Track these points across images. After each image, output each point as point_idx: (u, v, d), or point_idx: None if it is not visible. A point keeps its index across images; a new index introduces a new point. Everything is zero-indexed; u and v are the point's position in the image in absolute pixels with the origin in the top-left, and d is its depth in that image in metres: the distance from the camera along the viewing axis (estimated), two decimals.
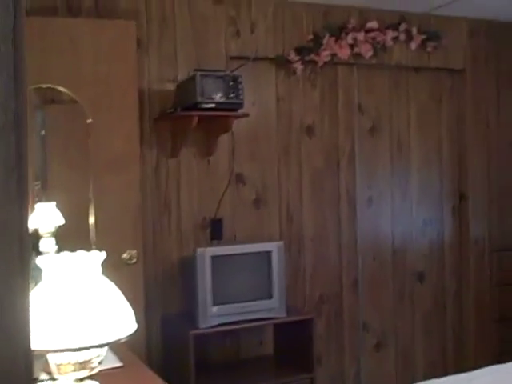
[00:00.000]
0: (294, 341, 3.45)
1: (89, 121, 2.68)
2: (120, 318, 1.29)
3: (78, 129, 2.77)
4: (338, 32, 3.78)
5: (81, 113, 2.61)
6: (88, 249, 1.34)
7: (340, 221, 3.92)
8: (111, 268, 1.45)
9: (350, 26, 3.81)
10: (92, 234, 2.59)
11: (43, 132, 2.80)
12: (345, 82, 3.93)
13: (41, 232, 2.18)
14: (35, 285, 1.26)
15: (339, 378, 3.91)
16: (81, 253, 1.31)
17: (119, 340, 1.27)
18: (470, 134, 4.31)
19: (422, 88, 4.20)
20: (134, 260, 3.03)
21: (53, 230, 2.22)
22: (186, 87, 3.24)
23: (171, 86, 3.39)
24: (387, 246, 4.10)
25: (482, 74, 4.33)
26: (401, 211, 4.15)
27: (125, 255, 2.99)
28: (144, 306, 3.04)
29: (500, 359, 4.37)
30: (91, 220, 2.61)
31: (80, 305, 1.24)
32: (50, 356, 1.28)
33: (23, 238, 0.64)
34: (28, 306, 0.73)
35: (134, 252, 3.03)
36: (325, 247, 3.87)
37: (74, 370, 1.31)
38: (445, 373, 4.26)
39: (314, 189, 3.84)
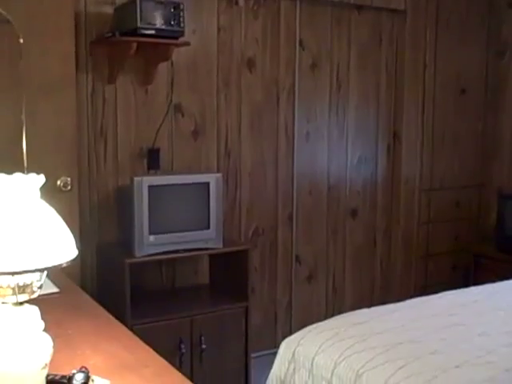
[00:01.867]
0: (229, 271, 3.51)
1: (21, 41, 2.55)
2: (60, 243, 1.27)
3: (9, 49, 2.65)
4: None
5: (12, 32, 2.48)
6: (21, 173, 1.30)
7: (278, 155, 3.95)
8: (45, 194, 1.41)
9: None
10: (24, 158, 2.52)
11: None
12: (287, 17, 3.88)
13: None
14: None
15: (272, 306, 4.03)
16: (18, 175, 1.28)
17: (60, 265, 1.26)
18: (407, 76, 4.37)
19: (363, 27, 4.21)
20: (69, 187, 2.97)
21: None
22: (125, 11, 3.12)
23: (109, 9, 3.26)
24: (323, 181, 4.18)
25: (422, 16, 4.36)
26: (337, 148, 4.21)
27: (59, 182, 2.93)
28: (79, 234, 3.01)
29: (423, 292, 4.61)
30: (23, 144, 2.52)
31: (19, 228, 1.21)
32: None
33: None
34: None
35: (68, 179, 2.96)
36: (262, 181, 3.91)
37: (13, 294, 1.29)
38: (371, 304, 4.46)
39: (252, 122, 3.83)
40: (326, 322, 2.48)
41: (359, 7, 4.14)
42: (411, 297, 4.47)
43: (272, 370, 2.43)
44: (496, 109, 4.83)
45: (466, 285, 4.69)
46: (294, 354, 2.33)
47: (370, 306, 4.44)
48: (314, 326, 2.45)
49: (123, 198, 3.21)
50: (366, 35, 4.23)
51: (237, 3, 3.63)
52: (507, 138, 4.81)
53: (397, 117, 4.42)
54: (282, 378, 2.35)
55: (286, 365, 2.34)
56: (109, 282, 3.20)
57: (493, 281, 4.12)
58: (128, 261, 2.99)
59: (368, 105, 4.32)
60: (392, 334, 2.28)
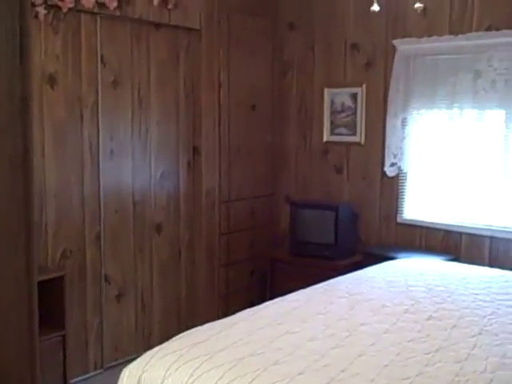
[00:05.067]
0: (40, 300, 3.32)
1: None
2: None
3: None
4: None
5: None
6: None
7: (83, 174, 3.84)
8: None
9: None
10: None
11: None
12: (88, 32, 3.79)
13: None
14: None
15: (82, 330, 3.90)
16: None
17: None
18: (204, 92, 4.54)
19: (161, 44, 4.28)
20: None
21: None
22: None
23: None
24: (128, 198, 4.15)
25: (215, 36, 4.56)
26: (141, 164, 4.22)
27: None
28: None
29: (225, 300, 4.83)
30: None
31: None
32: None
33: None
34: None
35: None
36: (68, 201, 3.76)
37: None
38: (178, 316, 4.56)
39: (56, 141, 3.67)
40: (167, 344, 2.49)
41: (157, 25, 4.19)
42: (215, 305, 4.69)
43: None
44: (282, 123, 5.24)
45: (264, 289, 5.03)
46: (139, 382, 2.31)
47: (177, 317, 4.56)
48: (156, 349, 2.45)
49: None
50: (164, 52, 4.30)
51: (36, 16, 3.45)
52: (292, 149, 5.24)
53: (196, 132, 4.56)
54: None
55: None
56: None
57: (288, 283, 4.48)
58: None
59: (169, 121, 4.39)
60: (234, 350, 2.37)
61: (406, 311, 2.87)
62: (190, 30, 4.40)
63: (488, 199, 4.26)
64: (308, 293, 3.18)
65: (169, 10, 4.16)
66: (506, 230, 4.16)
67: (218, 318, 2.90)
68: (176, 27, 4.31)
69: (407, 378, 2.14)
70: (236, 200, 4.89)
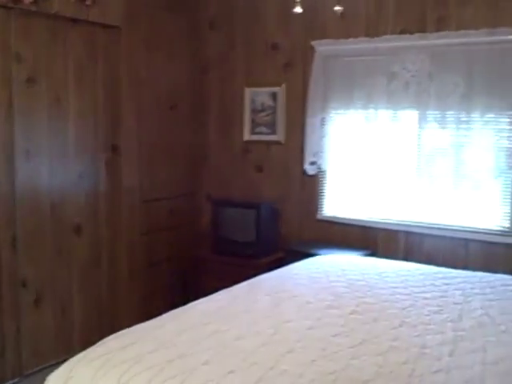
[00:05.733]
0: None
1: None
2: None
3: None
4: None
5: None
6: None
7: None
8: None
9: None
10: None
11: None
12: (2, 28, 3.63)
13: None
14: None
15: None
16: None
17: None
18: (123, 90, 4.46)
19: (79, 41, 4.17)
20: None
21: None
22: None
23: None
24: (45, 199, 4.02)
25: (136, 33, 4.49)
26: (58, 165, 4.10)
27: None
28: None
29: (147, 301, 4.78)
30: None
31: None
32: None
33: None
34: None
35: None
36: None
37: None
38: (100, 319, 4.47)
39: None
40: (93, 348, 2.44)
41: (75, 21, 4.08)
42: (139, 307, 4.63)
43: None
44: (202, 121, 5.24)
45: (186, 288, 5.02)
46: None
47: (98, 320, 4.46)
48: (81, 355, 2.40)
49: None
50: (82, 49, 4.20)
51: None
52: (213, 148, 5.25)
53: (115, 130, 4.48)
54: None
55: None
56: None
57: (210, 282, 4.50)
58: None
59: (87, 119, 4.29)
60: (162, 351, 2.35)
61: (329, 307, 2.94)
62: (109, 26, 4.31)
63: (402, 196, 4.44)
64: (233, 291, 3.20)
65: (87, 5, 4.05)
66: (420, 225, 4.35)
67: (141, 319, 2.86)
68: (95, 24, 4.21)
69: (333, 372, 2.20)
70: (157, 199, 4.85)
